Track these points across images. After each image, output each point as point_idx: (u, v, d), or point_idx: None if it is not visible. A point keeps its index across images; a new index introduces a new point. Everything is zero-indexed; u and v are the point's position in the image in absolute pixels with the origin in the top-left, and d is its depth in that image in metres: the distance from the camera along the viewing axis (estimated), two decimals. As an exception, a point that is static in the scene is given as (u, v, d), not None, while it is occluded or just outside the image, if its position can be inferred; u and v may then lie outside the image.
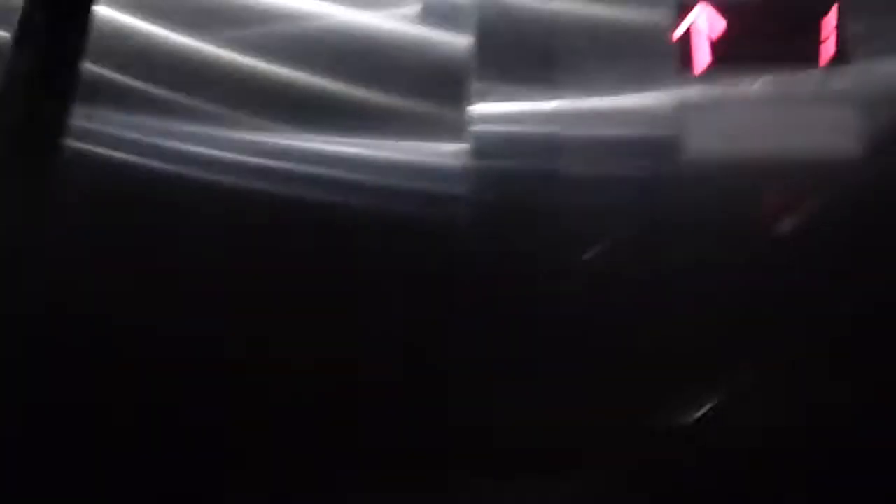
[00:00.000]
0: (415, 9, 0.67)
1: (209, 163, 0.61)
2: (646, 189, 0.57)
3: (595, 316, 0.55)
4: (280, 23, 0.67)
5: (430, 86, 0.63)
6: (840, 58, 0.59)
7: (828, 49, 0.60)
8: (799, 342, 0.53)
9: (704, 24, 0.60)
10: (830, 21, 0.60)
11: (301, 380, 0.58)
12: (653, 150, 0.58)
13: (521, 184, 0.58)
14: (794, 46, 0.60)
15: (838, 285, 0.54)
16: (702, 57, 0.60)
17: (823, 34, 0.60)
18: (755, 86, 0.59)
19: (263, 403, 0.57)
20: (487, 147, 0.58)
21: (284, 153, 0.61)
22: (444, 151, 0.61)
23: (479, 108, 0.59)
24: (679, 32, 0.60)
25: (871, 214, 0.56)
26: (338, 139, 0.62)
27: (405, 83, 0.64)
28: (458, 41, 0.63)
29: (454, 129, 0.60)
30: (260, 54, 0.64)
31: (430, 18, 0.66)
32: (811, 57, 0.60)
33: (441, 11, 0.66)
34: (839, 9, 0.60)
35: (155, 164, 0.61)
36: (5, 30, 0.61)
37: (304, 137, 0.62)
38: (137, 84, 0.62)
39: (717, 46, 0.60)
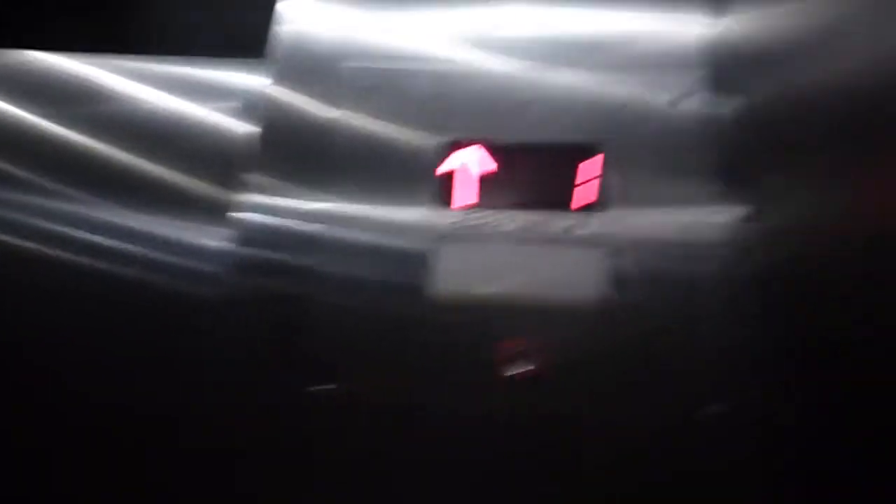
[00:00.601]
0: (237, 104, 0.74)
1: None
2: (393, 320, 0.59)
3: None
4: (110, 103, 0.74)
5: (222, 172, 0.69)
6: (598, 203, 0.62)
7: (586, 194, 0.63)
8: (541, 486, 0.54)
9: (472, 163, 0.64)
10: (591, 168, 0.63)
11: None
12: (404, 284, 0.60)
13: (276, 274, 0.62)
14: (555, 190, 0.63)
15: (582, 430, 0.55)
16: (465, 193, 0.63)
17: (583, 180, 0.63)
18: (512, 226, 0.62)
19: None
20: (250, 235, 0.63)
21: (78, 221, 0.67)
22: (215, 233, 0.66)
23: (249, 198, 0.64)
24: (447, 167, 0.64)
25: (617, 357, 0.57)
26: (124, 212, 0.67)
27: (200, 167, 0.69)
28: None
29: (228, 214, 0.65)
30: (80, 131, 0.71)
31: (249, 113, 0.72)
32: (570, 201, 0.63)
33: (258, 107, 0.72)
34: (597, 160, 0.63)
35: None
36: None
37: (100, 208, 0.68)
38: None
39: (480, 185, 0.64)
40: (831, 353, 0.48)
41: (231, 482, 0.56)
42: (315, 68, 0.69)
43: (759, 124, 0.61)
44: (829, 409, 0.48)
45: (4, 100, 0.72)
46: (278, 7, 0.74)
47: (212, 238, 0.66)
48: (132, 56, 0.73)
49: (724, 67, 0.68)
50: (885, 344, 0.41)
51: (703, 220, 0.61)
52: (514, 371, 0.57)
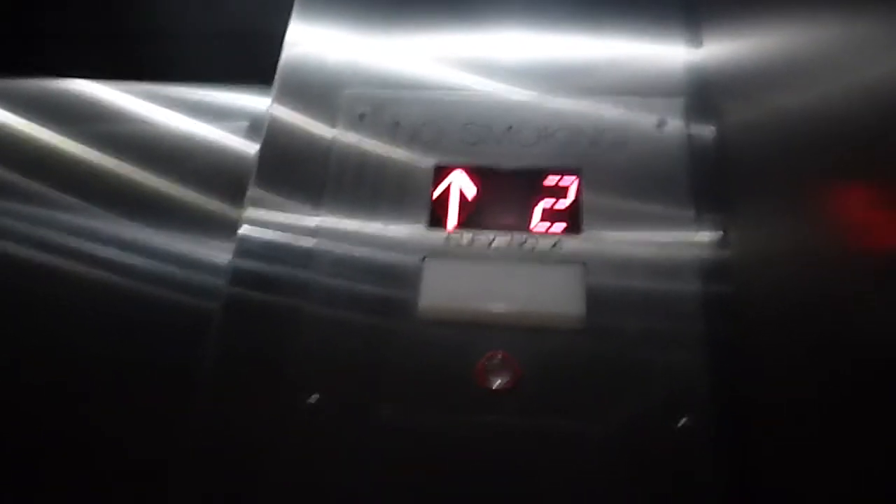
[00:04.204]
0: (244, 124, 0.77)
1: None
2: (380, 333, 0.62)
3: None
4: (124, 123, 0.78)
5: (228, 190, 0.72)
6: (575, 225, 0.65)
7: (565, 216, 0.65)
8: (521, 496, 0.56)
9: (459, 185, 0.67)
10: (570, 192, 0.66)
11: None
12: (392, 297, 0.63)
13: (274, 287, 0.64)
14: (535, 213, 0.66)
15: (559, 441, 0.58)
16: (452, 214, 0.66)
17: (562, 204, 0.66)
18: (496, 246, 0.65)
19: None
20: (249, 249, 0.66)
21: (89, 233, 0.71)
22: (219, 247, 0.69)
23: (251, 213, 0.67)
24: (436, 189, 0.67)
25: (593, 371, 0.59)
26: (134, 225, 0.71)
27: (207, 184, 0.73)
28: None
29: (233, 229, 0.68)
30: (95, 148, 0.76)
31: (256, 133, 0.76)
32: (551, 222, 0.65)
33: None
34: (579, 183, 0.66)
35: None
36: None
37: (109, 220, 0.72)
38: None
39: (467, 208, 0.66)
40: (796, 372, 0.49)
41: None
42: (315, 92, 0.73)
43: (733, 150, 0.63)
44: (790, 426, 0.50)
45: (25, 119, 0.76)
46: (287, 32, 0.77)
47: (216, 252, 0.69)
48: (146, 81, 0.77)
49: (702, 94, 0.70)
50: (846, 364, 0.41)
51: (677, 241, 0.63)
52: (495, 384, 0.60)
